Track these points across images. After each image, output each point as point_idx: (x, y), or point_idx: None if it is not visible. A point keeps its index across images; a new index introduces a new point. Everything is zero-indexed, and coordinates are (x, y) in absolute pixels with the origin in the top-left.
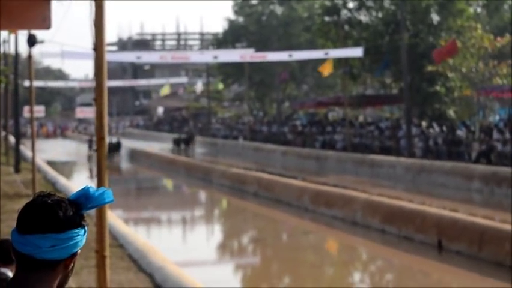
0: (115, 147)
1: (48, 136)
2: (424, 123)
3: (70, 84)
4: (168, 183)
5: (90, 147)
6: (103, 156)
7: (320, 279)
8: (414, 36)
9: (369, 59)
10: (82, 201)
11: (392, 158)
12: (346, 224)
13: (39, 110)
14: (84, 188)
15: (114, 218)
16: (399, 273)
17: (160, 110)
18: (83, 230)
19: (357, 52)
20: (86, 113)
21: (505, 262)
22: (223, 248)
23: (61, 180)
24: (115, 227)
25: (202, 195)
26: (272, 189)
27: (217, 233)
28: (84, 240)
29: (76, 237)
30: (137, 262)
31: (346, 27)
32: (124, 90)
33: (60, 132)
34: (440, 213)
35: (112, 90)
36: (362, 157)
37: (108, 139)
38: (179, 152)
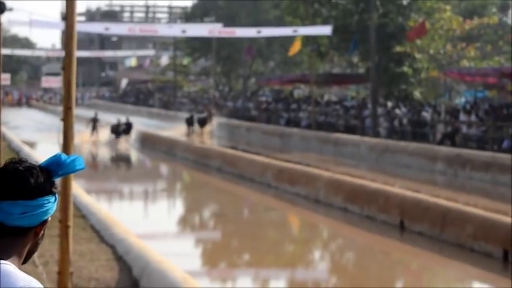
0: (124, 130)
1: (13, 105)
2: (390, 104)
3: (37, 53)
4: (132, 156)
5: (94, 128)
6: (70, 125)
7: (280, 255)
8: (384, 16)
9: (338, 38)
10: (54, 168)
11: (356, 137)
12: (309, 201)
13: (5, 78)
14: (55, 155)
15: (77, 189)
16: (360, 252)
17: (124, 82)
18: (53, 198)
19: (325, 30)
20: (52, 82)
21: (466, 244)
22: (185, 221)
23: (25, 148)
24: (78, 197)
25: (166, 169)
26: (236, 164)
27: (179, 206)
28: (54, 208)
29: (46, 205)
30: (100, 233)
31: (315, 5)
32: (90, 61)
33: (25, 101)
34: (403, 194)
35: (79, 61)
36: (327, 135)
37: (116, 120)
38: (191, 135)
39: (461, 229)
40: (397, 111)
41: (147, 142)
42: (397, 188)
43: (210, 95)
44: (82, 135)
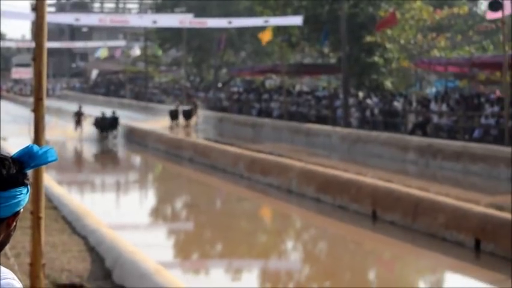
0: (111, 125)
1: None
2: (361, 94)
3: (7, 44)
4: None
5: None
6: (41, 117)
7: (252, 246)
8: (354, 6)
9: (309, 28)
10: (26, 159)
11: (328, 128)
12: (281, 192)
13: None
14: (27, 146)
15: (49, 180)
16: (332, 242)
17: (95, 72)
18: (26, 189)
19: (296, 20)
20: (23, 73)
21: (439, 233)
22: (157, 212)
23: None
24: (50, 189)
25: (137, 159)
26: (208, 155)
27: (151, 197)
28: (27, 199)
29: (18, 196)
30: (72, 224)
31: None
32: (60, 52)
33: None
34: (375, 184)
35: (49, 52)
36: (298, 126)
37: (100, 113)
38: (176, 128)
39: (433, 218)
40: (368, 101)
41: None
42: (369, 178)
43: (181, 86)
44: (65, 129)
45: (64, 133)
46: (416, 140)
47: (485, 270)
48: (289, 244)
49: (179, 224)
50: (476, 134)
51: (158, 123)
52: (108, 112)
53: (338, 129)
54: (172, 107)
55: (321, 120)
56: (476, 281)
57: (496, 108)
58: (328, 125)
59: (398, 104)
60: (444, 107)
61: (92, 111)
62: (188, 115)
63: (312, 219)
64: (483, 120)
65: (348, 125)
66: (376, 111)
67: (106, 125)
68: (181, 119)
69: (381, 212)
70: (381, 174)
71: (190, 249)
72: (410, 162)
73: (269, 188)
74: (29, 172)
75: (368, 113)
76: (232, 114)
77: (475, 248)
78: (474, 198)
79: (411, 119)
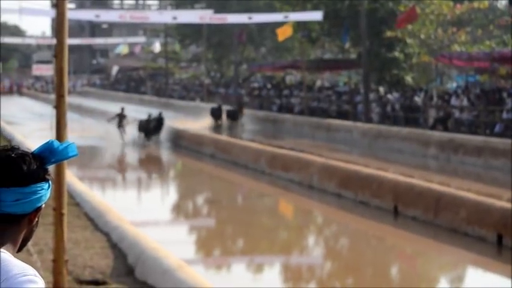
0: (155, 128)
1: (4, 93)
2: (382, 89)
3: (28, 40)
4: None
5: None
6: (63, 113)
7: (274, 242)
8: (374, 1)
9: (329, 23)
10: (46, 155)
11: (349, 123)
12: (302, 187)
13: None
14: (48, 142)
15: (71, 176)
16: (354, 237)
17: (115, 69)
18: (47, 184)
19: (316, 16)
20: (43, 70)
21: (460, 229)
22: (179, 208)
23: (17, 136)
24: (72, 185)
25: (159, 155)
26: (229, 151)
27: (172, 193)
28: (48, 195)
29: (40, 191)
30: (94, 221)
31: None
32: (81, 49)
33: (16, 89)
34: (396, 179)
35: (70, 49)
36: (319, 121)
37: (147, 115)
38: (219, 130)
39: (454, 214)
40: (389, 96)
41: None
42: (390, 173)
43: (202, 82)
44: (106, 131)
45: (104, 137)
46: (437, 135)
47: (507, 265)
48: (311, 240)
49: (201, 220)
50: (497, 128)
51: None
52: (154, 113)
53: (359, 124)
54: (214, 105)
55: (341, 115)
56: (498, 276)
57: None
58: (349, 121)
59: (418, 99)
60: (465, 102)
61: (131, 111)
62: (234, 116)
63: (334, 215)
64: (504, 115)
65: (369, 120)
66: (397, 106)
67: (150, 128)
68: (225, 119)
69: (402, 207)
70: (402, 170)
71: (212, 246)
72: (431, 157)
73: (290, 184)
74: (52, 168)
75: (388, 108)
76: (253, 110)
77: (497, 243)
78: (496, 193)
79: (432, 114)
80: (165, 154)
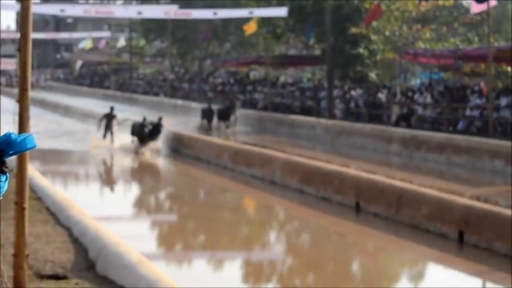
0: (152, 132)
1: None
2: (346, 85)
3: None
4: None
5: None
6: (25, 107)
7: (236, 237)
8: None
9: (293, 19)
10: (4, 147)
11: (312, 119)
12: (265, 183)
13: None
14: (6, 133)
15: (32, 170)
16: (315, 233)
17: (79, 63)
18: (4, 177)
19: (281, 12)
20: (7, 64)
21: (422, 225)
22: (141, 203)
23: None
24: (34, 180)
25: (121, 151)
26: (192, 147)
27: (134, 189)
28: (6, 187)
29: None
30: (55, 215)
31: None
32: (45, 43)
33: None
34: (359, 175)
35: (34, 43)
36: (282, 117)
37: (142, 118)
38: (209, 132)
39: (416, 210)
40: (353, 93)
41: None
42: (353, 170)
43: (166, 77)
44: (91, 138)
45: (89, 142)
46: (400, 131)
47: (468, 262)
48: (273, 235)
49: (162, 215)
50: (460, 125)
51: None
52: (150, 117)
53: (322, 120)
54: (205, 106)
55: (305, 111)
56: (459, 273)
57: (480, 101)
58: (312, 117)
59: (382, 96)
60: (428, 99)
61: (96, 106)
62: (225, 116)
63: (296, 211)
64: (467, 112)
65: (332, 116)
66: (360, 102)
67: (145, 133)
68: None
69: (364, 203)
70: (365, 166)
71: (174, 241)
72: (394, 153)
73: (253, 180)
74: (14, 163)
75: (352, 104)
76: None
77: (458, 240)
78: (458, 190)
79: (396, 110)
80: (129, 151)
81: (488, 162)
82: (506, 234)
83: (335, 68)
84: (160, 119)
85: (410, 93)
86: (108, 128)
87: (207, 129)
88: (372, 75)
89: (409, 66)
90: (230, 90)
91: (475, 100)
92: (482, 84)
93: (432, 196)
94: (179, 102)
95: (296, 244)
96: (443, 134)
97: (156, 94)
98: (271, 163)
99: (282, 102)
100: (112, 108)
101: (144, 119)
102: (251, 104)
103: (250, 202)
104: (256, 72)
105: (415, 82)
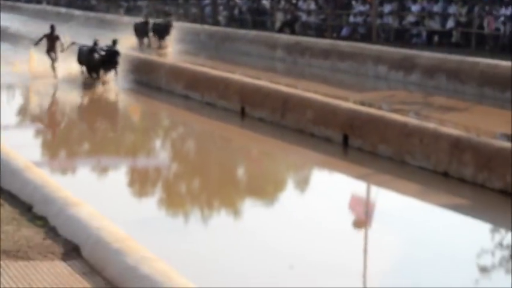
0: (104, 61)
1: None
2: None
3: None
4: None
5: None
6: None
7: (121, 144)
8: None
9: None
10: None
11: (196, 26)
12: (151, 89)
13: None
14: None
15: None
16: (201, 138)
17: None
18: None
19: None
20: None
21: (307, 129)
22: (25, 112)
23: None
24: None
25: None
26: None
27: (18, 97)
28: None
29: None
30: None
31: None
32: None
33: None
34: (243, 81)
35: None
36: None
37: (93, 41)
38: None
39: (301, 115)
40: None
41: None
42: (237, 75)
43: None
44: (30, 62)
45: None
46: (284, 37)
47: (352, 165)
48: (158, 142)
49: (47, 123)
50: (344, 32)
51: None
52: (102, 43)
53: (206, 27)
54: (137, 20)
55: (189, 18)
56: (344, 176)
57: (363, 7)
58: (196, 23)
59: (266, 3)
60: (312, 5)
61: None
62: (162, 32)
63: (181, 116)
64: (351, 19)
65: (216, 23)
66: (244, 9)
67: (96, 61)
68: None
69: (249, 108)
70: (249, 72)
71: (58, 148)
72: (279, 60)
73: (139, 87)
74: None
75: (236, 11)
76: (100, 13)
77: (343, 144)
78: (342, 95)
79: (280, 17)
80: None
81: (371, 67)
82: (390, 138)
83: None
84: (114, 42)
85: (294, 0)
86: (50, 51)
87: (141, 47)
88: None
89: None
90: None
91: (359, 7)
92: None
93: (317, 101)
94: (63, 10)
95: (181, 150)
96: (327, 40)
97: (39, 2)
98: (157, 70)
99: (164, 11)
100: (52, 28)
101: (95, 43)
102: (137, 10)
103: (135, 109)
104: None
105: None
